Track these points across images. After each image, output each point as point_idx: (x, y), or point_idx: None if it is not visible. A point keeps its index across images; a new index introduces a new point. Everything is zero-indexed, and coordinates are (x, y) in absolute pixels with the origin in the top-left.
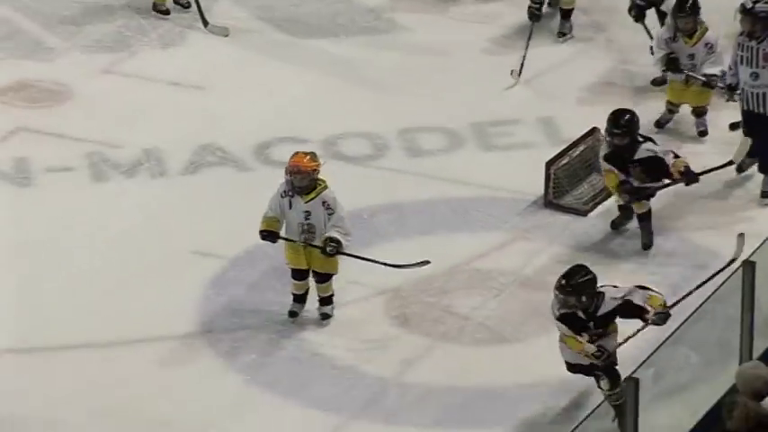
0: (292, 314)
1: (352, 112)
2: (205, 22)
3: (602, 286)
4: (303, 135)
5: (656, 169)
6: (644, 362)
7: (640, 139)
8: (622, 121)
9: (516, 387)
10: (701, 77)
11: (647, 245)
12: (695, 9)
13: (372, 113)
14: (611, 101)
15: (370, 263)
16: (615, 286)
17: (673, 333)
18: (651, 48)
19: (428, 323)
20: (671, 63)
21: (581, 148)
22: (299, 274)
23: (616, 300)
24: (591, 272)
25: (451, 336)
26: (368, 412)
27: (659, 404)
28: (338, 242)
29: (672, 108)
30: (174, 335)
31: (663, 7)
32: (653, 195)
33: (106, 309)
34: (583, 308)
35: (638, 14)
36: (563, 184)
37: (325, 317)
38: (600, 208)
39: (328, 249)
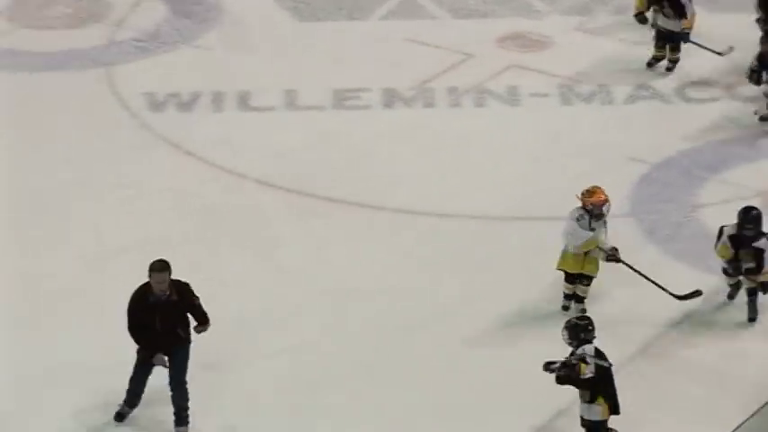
0: (565, 308)
1: None
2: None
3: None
4: (710, 80)
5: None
6: None
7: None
8: (750, 215)
9: None
10: None
11: (752, 318)
12: None
13: None
14: None
15: None
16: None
17: None
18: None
19: None
20: None
21: None
22: (572, 278)
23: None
24: (585, 324)
25: None
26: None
27: None
28: (617, 250)
29: None
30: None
31: None
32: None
33: (534, 187)
34: (569, 344)
35: (758, 79)
36: None
37: (565, 309)
38: None
39: (617, 255)
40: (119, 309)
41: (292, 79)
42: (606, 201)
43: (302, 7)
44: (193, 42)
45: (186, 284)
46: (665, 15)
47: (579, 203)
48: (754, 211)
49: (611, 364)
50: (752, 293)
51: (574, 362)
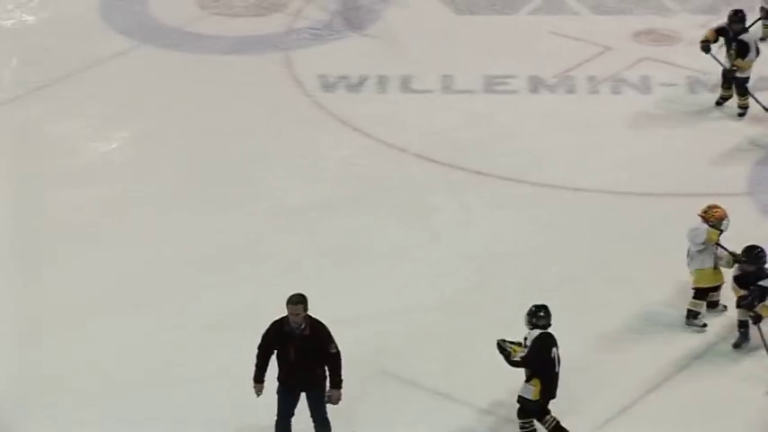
0: (705, 326)
1: None
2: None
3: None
4: None
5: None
6: None
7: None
8: (753, 253)
9: None
10: None
11: (737, 345)
12: None
13: None
14: None
15: None
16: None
17: None
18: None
19: None
20: None
21: None
22: (705, 293)
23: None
24: (538, 311)
25: None
26: None
27: None
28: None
29: None
30: (720, 192)
31: None
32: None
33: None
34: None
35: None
36: None
37: (724, 308)
38: None
39: (740, 256)
40: (290, 260)
41: (448, 66)
42: (726, 216)
43: (459, 2)
44: (362, 31)
45: (323, 326)
46: (729, 56)
47: (700, 220)
48: (756, 250)
49: (557, 357)
50: (743, 326)
51: (511, 342)
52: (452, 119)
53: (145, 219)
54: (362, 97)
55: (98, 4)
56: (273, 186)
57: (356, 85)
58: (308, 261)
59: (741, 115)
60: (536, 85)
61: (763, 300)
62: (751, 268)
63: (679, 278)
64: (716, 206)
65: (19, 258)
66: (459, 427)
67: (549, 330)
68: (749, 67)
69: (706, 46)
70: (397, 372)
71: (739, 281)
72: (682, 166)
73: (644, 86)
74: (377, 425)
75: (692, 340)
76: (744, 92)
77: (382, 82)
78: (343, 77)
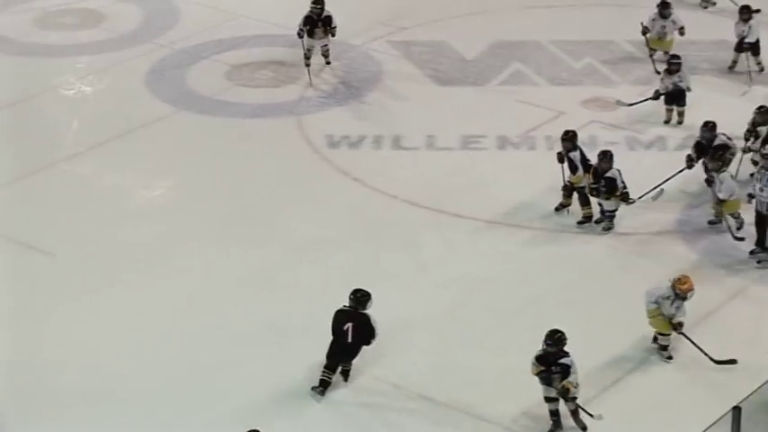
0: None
1: None
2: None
3: None
4: None
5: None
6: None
7: (565, 350)
8: (555, 337)
9: None
10: None
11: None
12: None
13: None
14: None
15: None
16: None
17: None
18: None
19: None
20: None
21: None
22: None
23: None
24: (350, 295)
25: None
26: None
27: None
28: (682, 325)
29: None
30: (654, 231)
31: None
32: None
33: None
34: None
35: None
36: None
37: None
38: None
39: (679, 329)
40: (304, 285)
41: (432, 127)
42: (692, 288)
43: (440, 75)
44: (360, 99)
45: None
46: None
47: (669, 284)
48: (558, 334)
49: (349, 331)
50: (554, 414)
51: None
52: (435, 171)
53: (184, 252)
54: (361, 153)
55: (144, 77)
56: (289, 226)
57: (356, 143)
58: (319, 285)
59: (581, 223)
60: (503, 143)
61: (566, 377)
62: (553, 350)
63: (620, 302)
64: (685, 279)
65: (81, 285)
66: (439, 423)
67: (367, 312)
68: (579, 182)
69: (560, 158)
70: (389, 378)
71: (540, 360)
72: (623, 208)
73: (591, 144)
74: (369, 423)
75: (631, 357)
76: (584, 200)
77: (377, 141)
78: (345, 137)
